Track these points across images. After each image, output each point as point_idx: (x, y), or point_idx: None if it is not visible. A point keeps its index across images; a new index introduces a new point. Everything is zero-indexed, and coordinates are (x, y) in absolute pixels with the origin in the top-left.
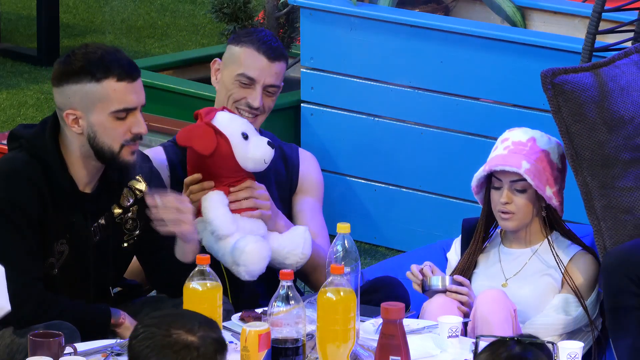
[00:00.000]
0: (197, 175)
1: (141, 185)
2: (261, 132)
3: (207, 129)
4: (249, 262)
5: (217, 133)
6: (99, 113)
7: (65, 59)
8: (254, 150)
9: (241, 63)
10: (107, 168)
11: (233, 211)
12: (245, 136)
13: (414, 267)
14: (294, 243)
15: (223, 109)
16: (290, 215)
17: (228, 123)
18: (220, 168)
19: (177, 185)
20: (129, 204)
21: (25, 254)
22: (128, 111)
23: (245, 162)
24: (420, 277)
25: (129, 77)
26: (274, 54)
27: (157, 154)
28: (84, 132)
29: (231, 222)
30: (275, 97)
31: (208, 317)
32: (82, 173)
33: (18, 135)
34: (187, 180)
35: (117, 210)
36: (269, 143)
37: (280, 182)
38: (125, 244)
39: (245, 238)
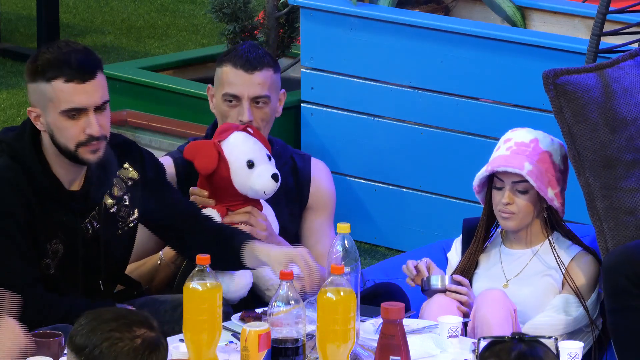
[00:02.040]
0: (203, 192)
1: (132, 173)
2: (272, 142)
3: (211, 150)
4: (226, 290)
5: (221, 156)
6: (51, 112)
7: (32, 57)
8: (255, 181)
9: (223, 83)
10: (90, 165)
11: None
12: (250, 164)
13: (410, 263)
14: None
15: (246, 127)
16: (298, 231)
17: (237, 147)
18: (220, 190)
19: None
20: (121, 193)
21: (19, 258)
22: (79, 112)
23: (244, 190)
24: (415, 272)
25: (78, 78)
26: (251, 65)
27: (166, 168)
28: (46, 130)
29: None
30: (268, 106)
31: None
32: (63, 171)
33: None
34: (192, 190)
35: (110, 201)
36: (273, 176)
37: (290, 198)
38: (120, 232)
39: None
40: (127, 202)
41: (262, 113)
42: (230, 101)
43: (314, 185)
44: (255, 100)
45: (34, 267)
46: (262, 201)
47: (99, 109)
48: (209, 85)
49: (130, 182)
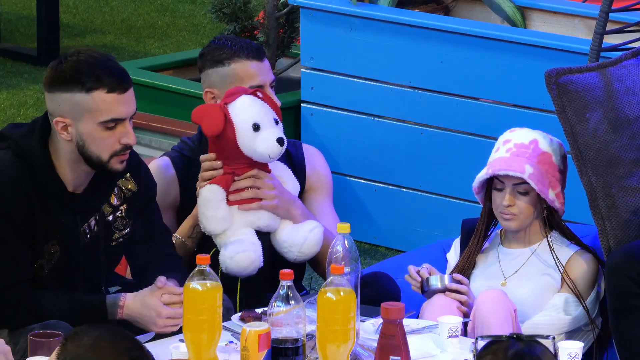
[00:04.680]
0: (211, 155)
1: (130, 184)
2: None
3: (218, 112)
4: (236, 271)
5: (227, 118)
6: (87, 123)
7: (57, 64)
8: (260, 144)
9: (241, 78)
10: (115, 173)
11: (232, 203)
12: (256, 127)
13: (412, 269)
14: (294, 240)
15: (254, 92)
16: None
17: (243, 110)
18: (226, 152)
19: (188, 196)
20: (118, 202)
21: (5, 259)
22: (117, 122)
23: (249, 153)
24: (419, 279)
25: (120, 89)
26: (259, 52)
27: (165, 168)
28: (73, 139)
29: (219, 220)
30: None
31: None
32: (72, 176)
33: (6, 136)
34: (202, 157)
35: (107, 209)
36: (279, 139)
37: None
38: (114, 243)
39: (227, 249)
40: (124, 214)
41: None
42: None
43: (310, 168)
44: (271, 84)
45: (21, 268)
46: (279, 163)
47: (131, 117)
48: (207, 90)
49: (129, 194)
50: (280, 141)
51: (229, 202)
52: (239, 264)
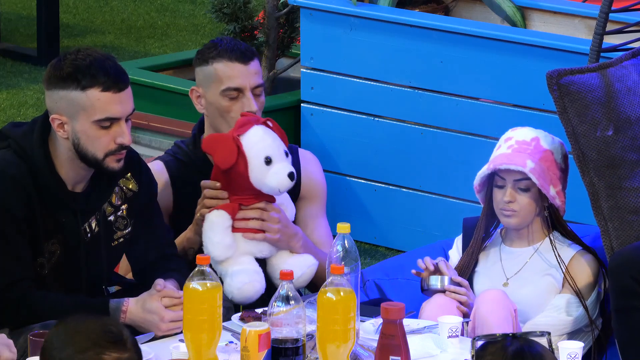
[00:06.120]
0: (216, 184)
1: (131, 184)
2: None
3: (231, 145)
4: (241, 301)
5: (240, 151)
6: (82, 121)
7: (56, 62)
8: (271, 178)
9: (220, 79)
10: (113, 173)
11: (237, 230)
12: (268, 161)
13: (428, 259)
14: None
15: (265, 121)
16: (294, 222)
17: (256, 143)
18: (235, 184)
19: (182, 202)
20: (119, 202)
21: (7, 257)
22: (112, 121)
23: (260, 186)
24: (432, 268)
25: (115, 88)
26: (245, 55)
27: (158, 172)
28: (69, 137)
29: (226, 248)
30: (263, 94)
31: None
32: (71, 174)
33: (6, 135)
34: (204, 183)
35: (109, 209)
36: (290, 174)
37: None
38: (115, 242)
39: (233, 279)
40: (125, 214)
41: (260, 102)
42: (234, 96)
43: (305, 175)
44: (254, 90)
45: (23, 266)
46: None
47: (127, 117)
48: (193, 88)
49: (130, 194)
50: (291, 176)
51: (234, 229)
52: (245, 294)
